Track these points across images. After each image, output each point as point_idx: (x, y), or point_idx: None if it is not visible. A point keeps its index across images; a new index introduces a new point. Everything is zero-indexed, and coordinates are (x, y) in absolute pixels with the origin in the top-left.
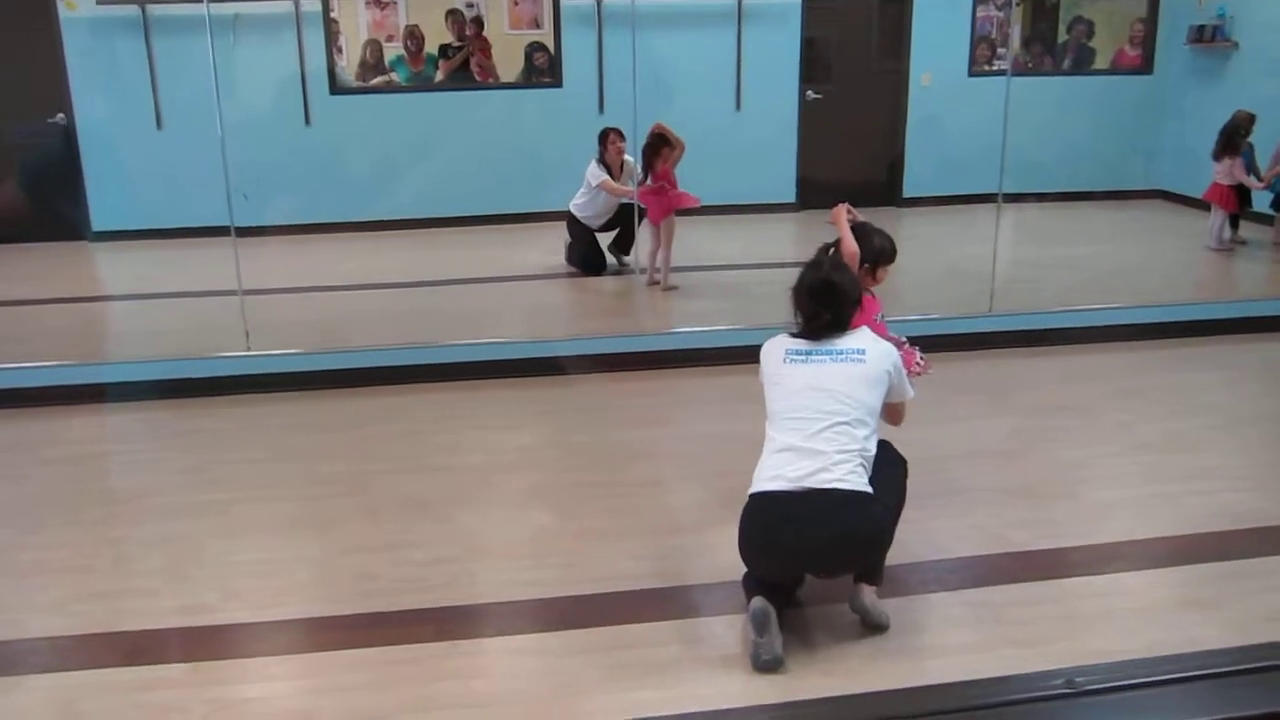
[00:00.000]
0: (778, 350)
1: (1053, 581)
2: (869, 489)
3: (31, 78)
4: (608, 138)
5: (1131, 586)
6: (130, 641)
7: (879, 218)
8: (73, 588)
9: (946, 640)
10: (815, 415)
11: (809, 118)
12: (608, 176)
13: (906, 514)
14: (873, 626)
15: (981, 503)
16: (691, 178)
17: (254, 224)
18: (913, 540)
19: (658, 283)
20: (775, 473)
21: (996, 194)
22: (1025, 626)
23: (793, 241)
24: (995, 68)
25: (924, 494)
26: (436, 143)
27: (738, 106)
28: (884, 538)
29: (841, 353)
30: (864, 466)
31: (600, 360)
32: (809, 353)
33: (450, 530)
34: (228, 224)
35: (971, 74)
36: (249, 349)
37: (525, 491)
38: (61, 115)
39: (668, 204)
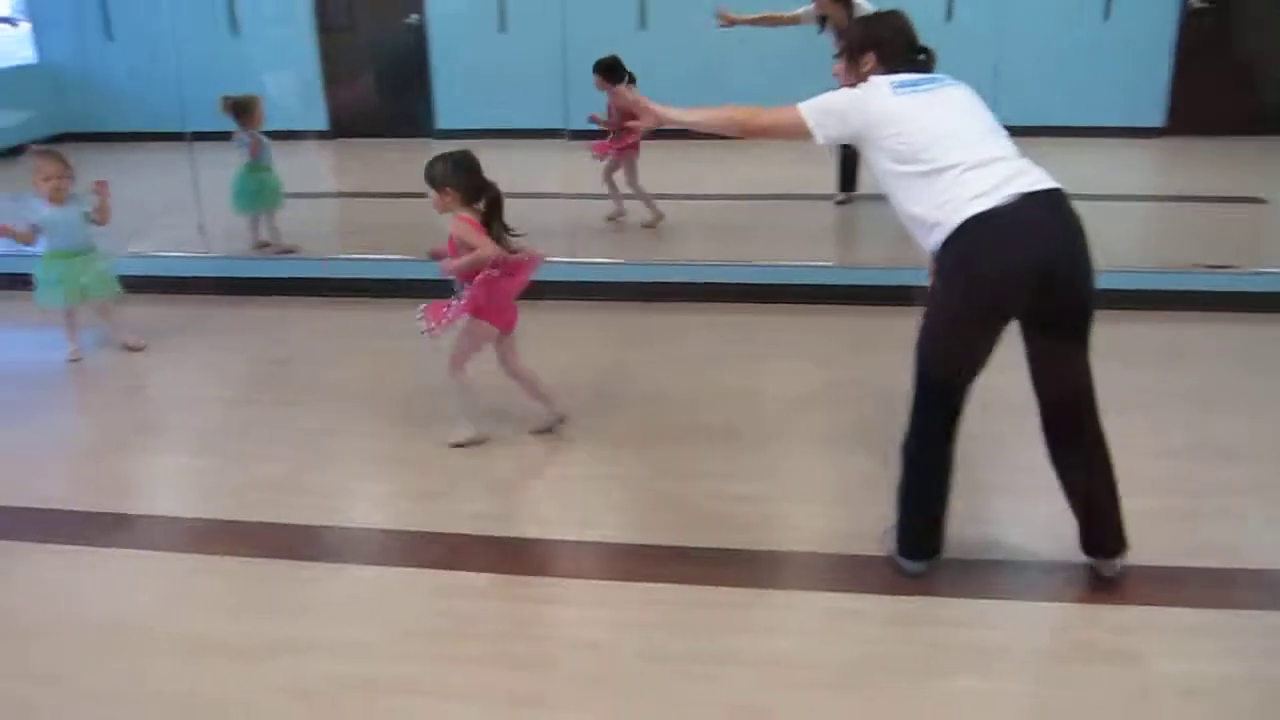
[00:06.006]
0: (880, 90)
1: None
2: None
3: None
4: None
5: None
6: (442, 545)
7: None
8: (401, 483)
9: None
10: (967, 129)
11: (1191, 30)
12: None
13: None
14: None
15: None
16: (1049, 92)
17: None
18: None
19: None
20: (976, 192)
21: None
22: None
23: (1159, 172)
24: None
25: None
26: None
27: (1106, 16)
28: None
29: (940, 78)
30: None
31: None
32: (915, 84)
33: (764, 465)
34: (560, 127)
35: None
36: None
37: (843, 432)
38: (416, 16)
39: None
